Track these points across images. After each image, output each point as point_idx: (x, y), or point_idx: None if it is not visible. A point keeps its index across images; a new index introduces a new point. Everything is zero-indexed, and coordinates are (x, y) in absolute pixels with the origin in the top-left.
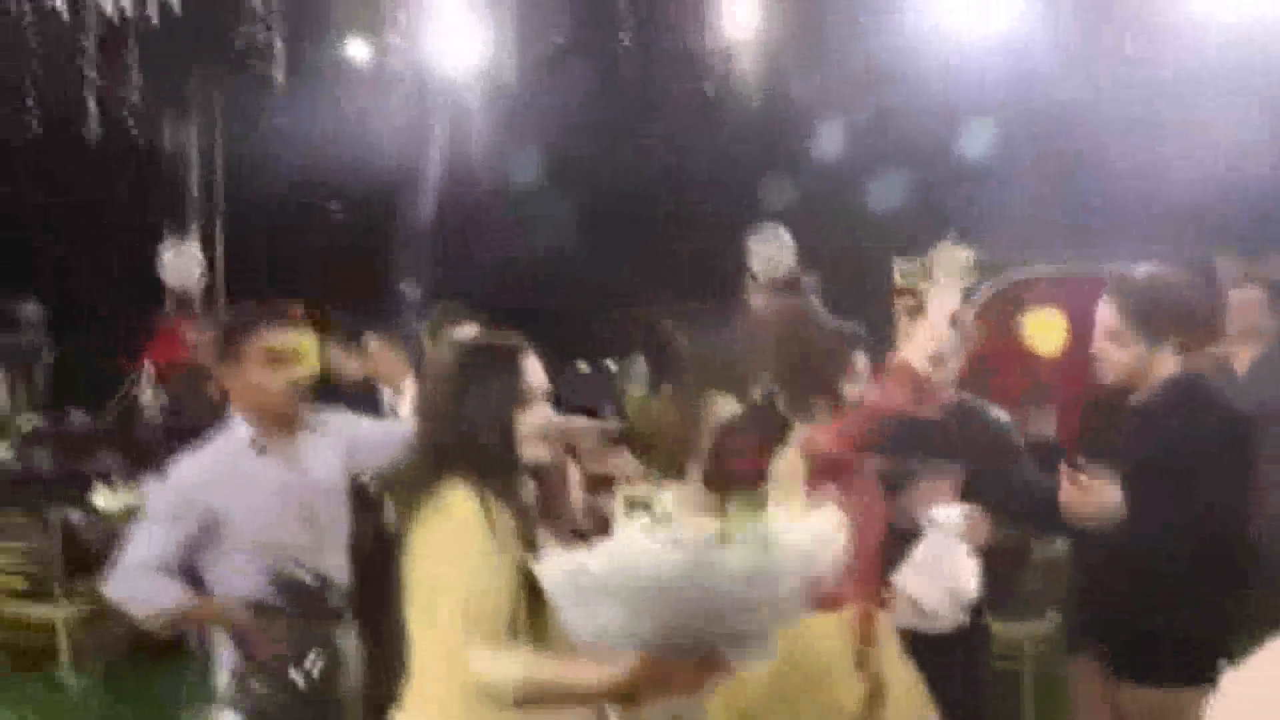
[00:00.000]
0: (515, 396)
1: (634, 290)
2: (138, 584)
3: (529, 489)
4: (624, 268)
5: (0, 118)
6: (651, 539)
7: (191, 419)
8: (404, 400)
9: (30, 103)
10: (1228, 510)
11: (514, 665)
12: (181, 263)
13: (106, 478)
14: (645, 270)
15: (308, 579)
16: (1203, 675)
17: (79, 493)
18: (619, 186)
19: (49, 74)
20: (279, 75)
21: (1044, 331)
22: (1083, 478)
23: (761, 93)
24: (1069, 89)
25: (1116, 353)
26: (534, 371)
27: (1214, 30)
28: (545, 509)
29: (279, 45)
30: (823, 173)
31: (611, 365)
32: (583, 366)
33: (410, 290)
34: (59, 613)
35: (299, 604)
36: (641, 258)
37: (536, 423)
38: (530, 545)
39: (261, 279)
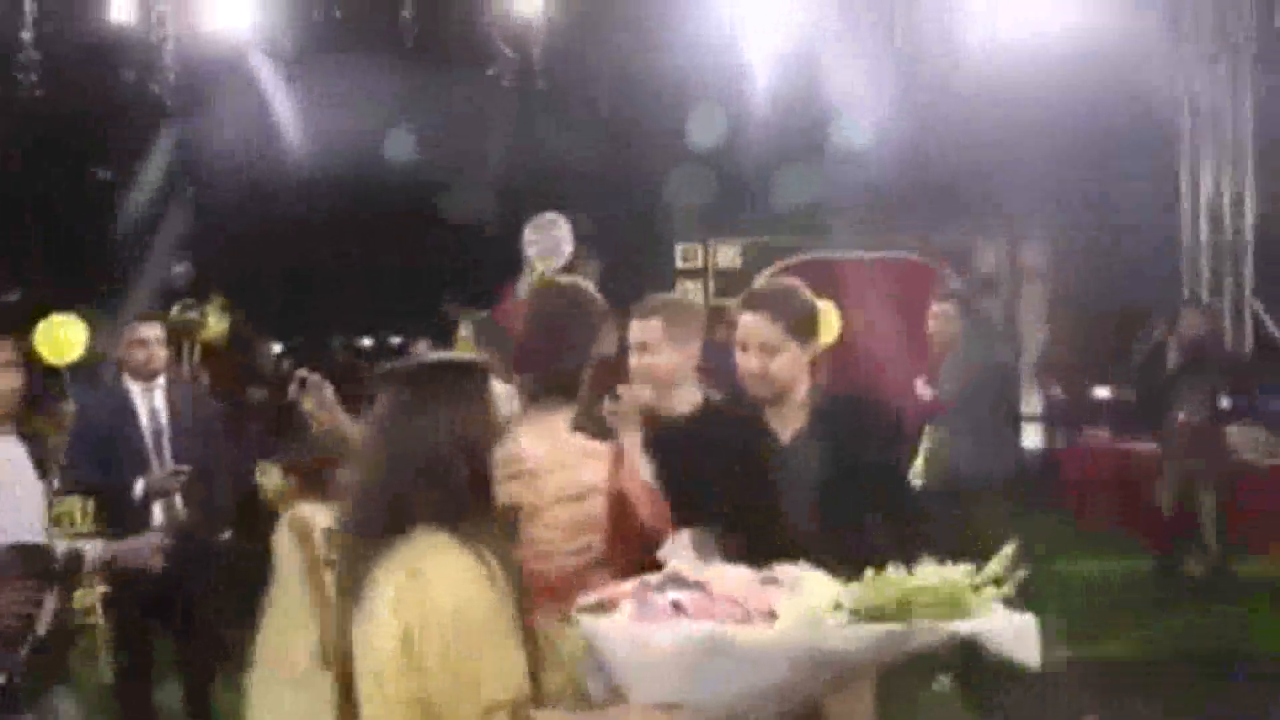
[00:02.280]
0: (491, 428)
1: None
2: None
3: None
4: (399, 250)
5: None
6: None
7: None
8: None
9: None
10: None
11: None
12: None
13: None
14: (424, 254)
15: (38, 542)
16: None
17: None
18: (395, 166)
19: None
20: (27, 35)
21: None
22: None
23: (548, 76)
24: (843, 83)
25: (777, 362)
26: (499, 397)
27: (980, 30)
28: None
29: (29, 5)
30: (608, 162)
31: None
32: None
33: (180, 271)
34: None
35: (32, 565)
36: (419, 240)
37: (510, 458)
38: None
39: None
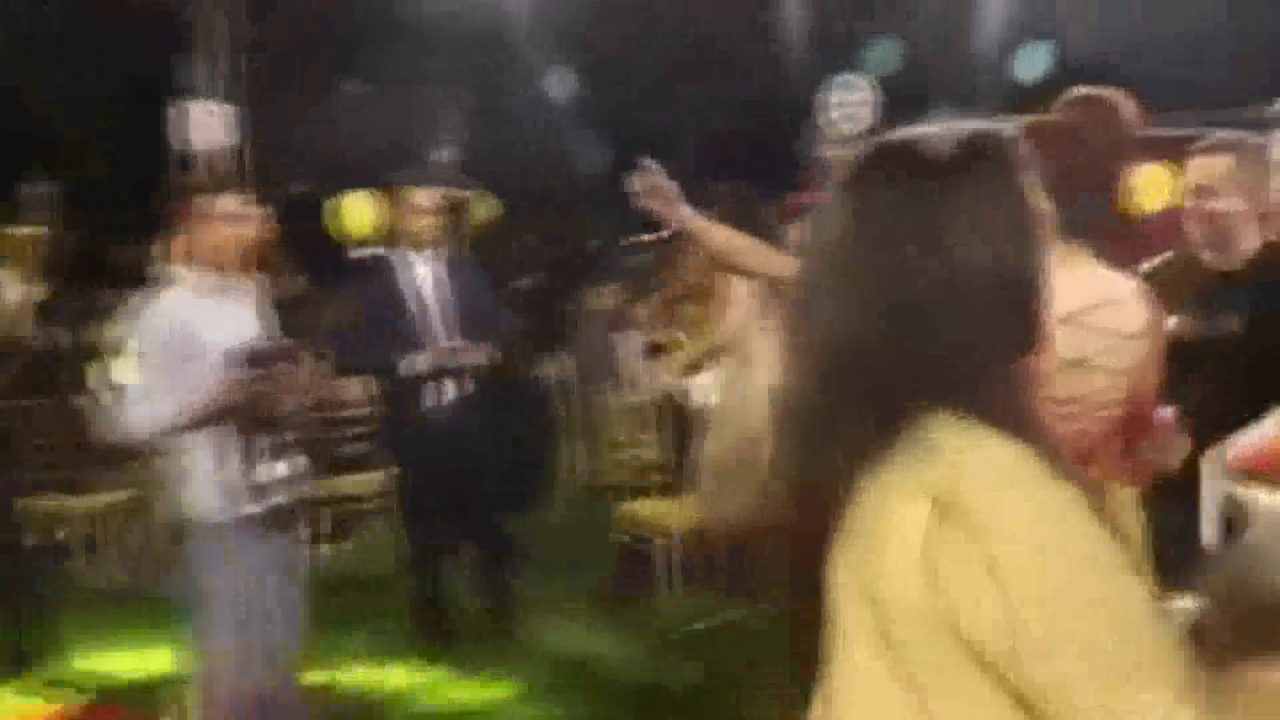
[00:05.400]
0: (1039, 240)
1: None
2: (144, 411)
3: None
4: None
5: None
6: None
7: None
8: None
9: None
10: None
11: None
12: (207, 123)
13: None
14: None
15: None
16: None
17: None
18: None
19: None
20: None
21: (1149, 186)
22: None
23: None
24: None
25: (1208, 205)
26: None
27: None
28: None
29: None
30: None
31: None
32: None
33: (445, 156)
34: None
35: (286, 355)
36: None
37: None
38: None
39: (288, 140)
